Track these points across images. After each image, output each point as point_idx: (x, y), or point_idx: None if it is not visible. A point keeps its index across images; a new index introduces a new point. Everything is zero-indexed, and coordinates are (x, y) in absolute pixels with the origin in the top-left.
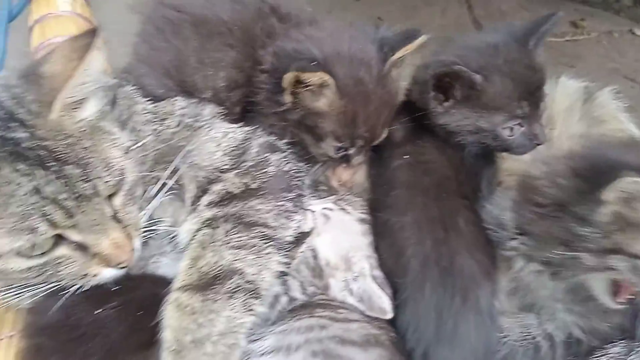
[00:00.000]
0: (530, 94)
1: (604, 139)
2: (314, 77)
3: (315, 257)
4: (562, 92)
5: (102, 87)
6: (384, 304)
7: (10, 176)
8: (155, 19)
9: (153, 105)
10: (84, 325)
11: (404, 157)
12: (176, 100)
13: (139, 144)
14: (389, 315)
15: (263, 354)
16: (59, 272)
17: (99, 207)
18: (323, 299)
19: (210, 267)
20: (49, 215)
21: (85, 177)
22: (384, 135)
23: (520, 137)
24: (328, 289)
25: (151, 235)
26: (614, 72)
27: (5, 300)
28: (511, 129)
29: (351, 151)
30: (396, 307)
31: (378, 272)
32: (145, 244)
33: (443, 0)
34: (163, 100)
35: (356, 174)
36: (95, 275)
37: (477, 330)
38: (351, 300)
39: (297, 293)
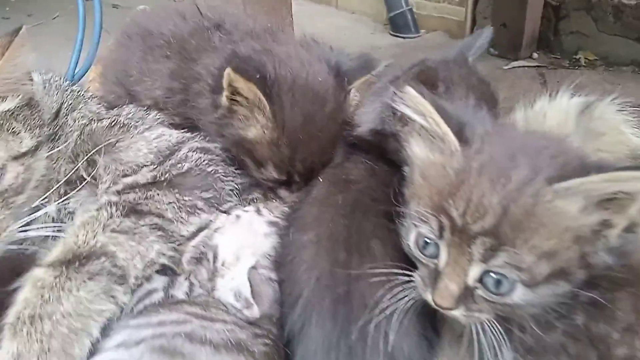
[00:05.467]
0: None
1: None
2: (246, 87)
3: (215, 258)
4: (556, 107)
5: (25, 88)
6: (247, 293)
7: None
8: (122, 34)
9: (105, 110)
10: None
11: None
12: (126, 107)
13: (55, 150)
14: (254, 310)
15: (110, 348)
16: None
17: None
18: (202, 301)
19: (78, 246)
20: None
21: None
22: None
23: None
24: (214, 290)
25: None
26: None
27: None
28: None
29: (296, 178)
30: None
31: (266, 271)
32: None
33: (512, 74)
34: (116, 107)
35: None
36: None
37: None
38: (230, 297)
39: (179, 292)
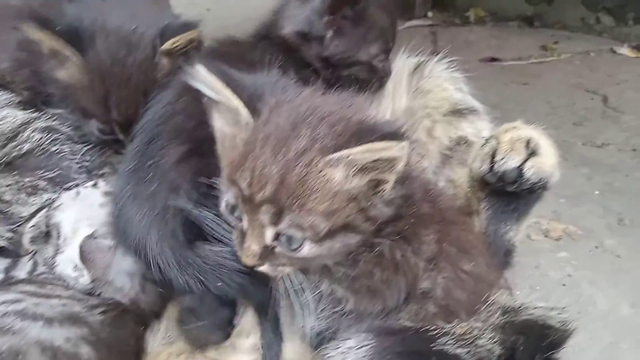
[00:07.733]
0: None
1: None
2: (44, 37)
3: (59, 235)
4: (394, 69)
5: None
6: (78, 260)
7: None
8: None
9: None
10: None
11: None
12: None
13: None
14: (86, 276)
15: None
16: None
17: None
18: (41, 279)
19: None
20: None
21: None
22: None
23: None
24: (55, 265)
25: None
26: (576, 87)
27: None
28: None
29: (120, 136)
30: None
31: (103, 240)
32: None
33: (406, 34)
34: None
35: None
36: None
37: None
38: (69, 269)
39: (21, 273)
